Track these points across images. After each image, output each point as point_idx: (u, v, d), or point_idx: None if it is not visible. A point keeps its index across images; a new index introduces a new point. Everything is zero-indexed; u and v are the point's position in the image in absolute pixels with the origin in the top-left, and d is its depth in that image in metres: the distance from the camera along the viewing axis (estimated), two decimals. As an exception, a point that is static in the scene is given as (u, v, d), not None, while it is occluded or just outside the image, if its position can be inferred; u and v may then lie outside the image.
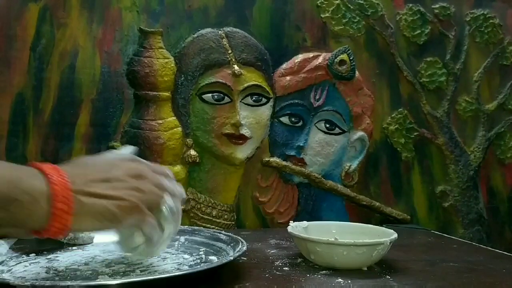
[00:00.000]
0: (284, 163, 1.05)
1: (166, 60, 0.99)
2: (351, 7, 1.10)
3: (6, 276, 0.54)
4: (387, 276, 0.60)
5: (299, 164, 1.06)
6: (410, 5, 1.14)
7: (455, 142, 1.15)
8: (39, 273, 0.56)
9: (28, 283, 0.45)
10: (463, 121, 1.16)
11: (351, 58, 1.07)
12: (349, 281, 0.57)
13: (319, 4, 1.09)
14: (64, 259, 0.63)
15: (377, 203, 1.09)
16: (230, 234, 0.69)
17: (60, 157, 0.95)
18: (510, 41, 1.20)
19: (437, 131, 1.14)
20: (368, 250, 0.61)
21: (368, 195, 1.10)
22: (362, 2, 1.11)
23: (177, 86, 0.99)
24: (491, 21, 1.18)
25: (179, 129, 0.99)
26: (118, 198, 0.48)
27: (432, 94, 1.15)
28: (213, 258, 0.61)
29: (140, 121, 0.97)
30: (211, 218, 1.01)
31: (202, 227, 0.84)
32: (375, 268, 0.64)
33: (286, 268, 0.63)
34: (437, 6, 1.16)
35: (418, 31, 1.14)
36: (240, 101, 1.01)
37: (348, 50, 1.08)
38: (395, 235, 0.65)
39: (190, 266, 0.59)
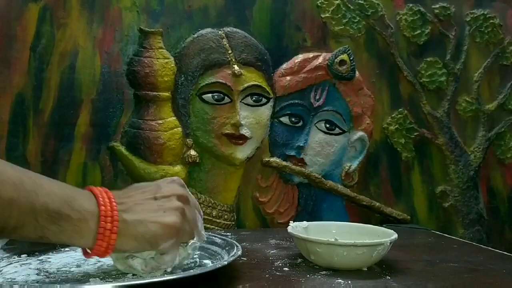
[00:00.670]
0: (284, 163, 1.05)
1: (166, 60, 0.99)
2: (351, 7, 1.10)
3: None
4: (387, 277, 0.60)
5: (299, 164, 1.05)
6: (410, 5, 1.14)
7: (455, 142, 1.15)
8: (29, 274, 0.55)
9: (16, 285, 0.46)
10: (463, 121, 1.16)
11: (351, 58, 1.07)
12: (349, 282, 0.57)
13: (319, 4, 1.09)
14: (56, 260, 0.62)
15: (377, 203, 1.09)
16: (225, 238, 0.68)
17: (60, 157, 0.95)
18: (510, 41, 1.20)
19: (437, 131, 1.14)
20: (368, 251, 0.61)
21: (368, 195, 1.10)
22: (362, 2, 1.11)
23: (177, 86, 0.99)
24: (491, 21, 1.18)
25: (179, 129, 0.99)
26: (162, 220, 0.50)
27: (432, 94, 1.15)
28: (207, 262, 0.60)
29: (140, 121, 0.97)
30: (211, 218, 1.00)
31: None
32: (375, 269, 0.64)
33: (286, 269, 0.63)
34: (437, 6, 1.16)
35: (418, 31, 1.14)
36: (240, 101, 1.01)
37: (348, 50, 1.08)
38: (395, 235, 0.64)
39: (184, 270, 0.58)
